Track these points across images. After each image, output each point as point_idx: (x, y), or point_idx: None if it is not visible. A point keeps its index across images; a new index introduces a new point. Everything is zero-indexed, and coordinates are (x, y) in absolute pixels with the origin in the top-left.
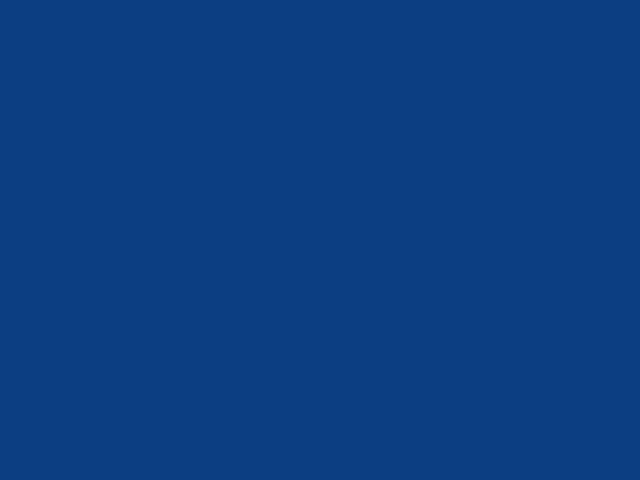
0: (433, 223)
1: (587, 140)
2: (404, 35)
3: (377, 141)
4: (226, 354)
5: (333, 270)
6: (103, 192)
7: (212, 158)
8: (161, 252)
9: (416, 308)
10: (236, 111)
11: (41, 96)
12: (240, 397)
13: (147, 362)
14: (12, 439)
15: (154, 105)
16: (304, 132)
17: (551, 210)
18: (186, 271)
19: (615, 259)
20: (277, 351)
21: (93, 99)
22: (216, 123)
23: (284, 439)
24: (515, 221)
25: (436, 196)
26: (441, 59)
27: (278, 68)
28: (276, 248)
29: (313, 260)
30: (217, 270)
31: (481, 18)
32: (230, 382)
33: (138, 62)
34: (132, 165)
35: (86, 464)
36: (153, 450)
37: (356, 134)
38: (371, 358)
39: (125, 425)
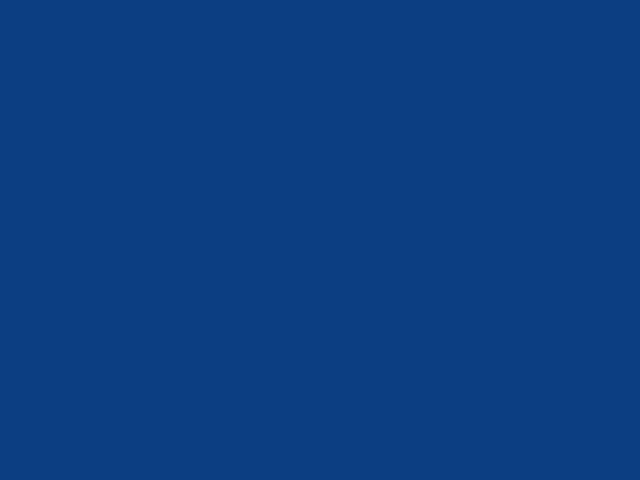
0: (433, 223)
1: (587, 140)
2: (404, 35)
3: (377, 141)
4: (226, 354)
5: (333, 270)
6: (103, 192)
7: (212, 157)
8: (161, 252)
9: (416, 308)
10: (236, 111)
11: (41, 96)
12: (240, 397)
13: (147, 362)
14: (12, 439)
15: (154, 105)
16: (304, 132)
17: (551, 210)
18: (186, 271)
19: (615, 259)
20: (277, 351)
21: (93, 99)
22: (216, 123)
23: (284, 439)
24: (515, 221)
25: (436, 196)
26: (441, 59)
27: (278, 68)
28: (276, 248)
29: (313, 260)
30: (217, 269)
31: (481, 18)
32: (230, 382)
33: (138, 62)
34: (132, 165)
35: (86, 464)
36: (153, 450)
37: (356, 134)
38: (371, 358)
39: (125, 425)
